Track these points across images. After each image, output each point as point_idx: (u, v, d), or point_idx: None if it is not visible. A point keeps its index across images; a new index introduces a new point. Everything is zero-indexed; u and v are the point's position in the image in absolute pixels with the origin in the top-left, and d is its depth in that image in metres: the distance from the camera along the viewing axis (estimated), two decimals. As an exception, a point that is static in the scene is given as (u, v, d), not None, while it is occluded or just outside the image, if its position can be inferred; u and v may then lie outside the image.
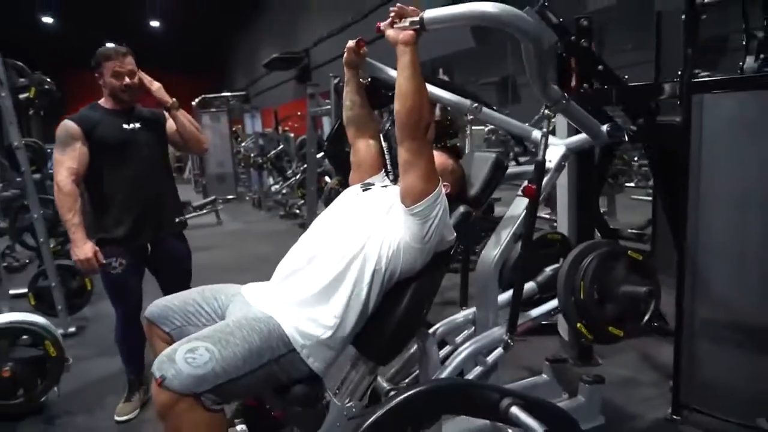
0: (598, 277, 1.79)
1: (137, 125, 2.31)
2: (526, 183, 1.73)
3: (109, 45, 2.30)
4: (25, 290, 3.59)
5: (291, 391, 1.47)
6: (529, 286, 2.09)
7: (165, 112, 2.40)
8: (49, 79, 4.49)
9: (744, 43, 1.87)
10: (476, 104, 1.94)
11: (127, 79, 2.24)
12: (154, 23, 21.06)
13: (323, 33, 13.12)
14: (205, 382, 1.27)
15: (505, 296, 1.93)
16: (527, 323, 1.94)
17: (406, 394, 1.47)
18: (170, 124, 2.42)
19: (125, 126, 2.28)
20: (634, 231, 4.59)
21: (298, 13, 15.27)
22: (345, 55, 1.76)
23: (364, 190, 1.72)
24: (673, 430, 2.04)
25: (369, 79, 1.95)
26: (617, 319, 1.80)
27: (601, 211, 5.95)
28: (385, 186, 1.75)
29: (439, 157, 1.74)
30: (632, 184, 7.22)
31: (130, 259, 2.27)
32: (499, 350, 1.83)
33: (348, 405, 1.60)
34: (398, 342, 1.60)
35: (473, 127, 7.24)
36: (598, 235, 2.83)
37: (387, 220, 1.55)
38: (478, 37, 8.47)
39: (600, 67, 2.43)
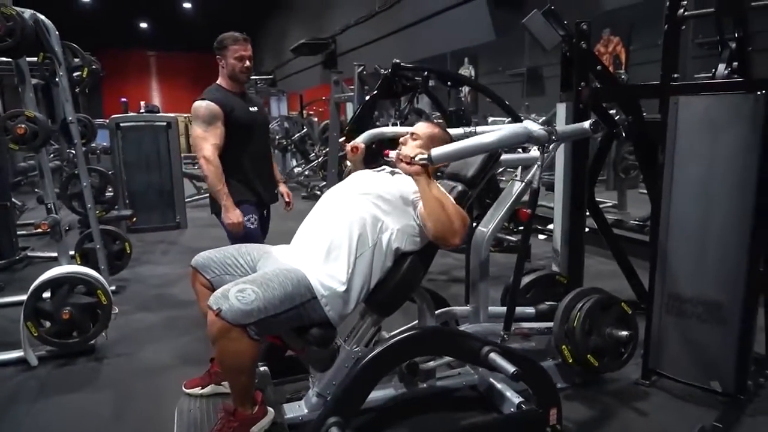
0: (592, 313, 2.14)
1: (255, 109, 2.70)
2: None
3: (233, 33, 2.63)
4: (72, 252, 3.97)
5: (309, 332, 1.78)
6: (528, 310, 2.41)
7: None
8: (94, 59, 4.85)
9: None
10: (469, 129, 2.22)
11: (247, 63, 2.59)
12: (186, 4, 21.50)
13: (350, 21, 13.34)
14: (251, 316, 1.57)
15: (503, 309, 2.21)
16: (521, 329, 2.24)
17: (405, 335, 1.79)
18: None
19: (251, 109, 2.66)
20: (636, 222, 4.83)
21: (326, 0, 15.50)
22: (347, 154, 2.24)
23: (375, 171, 2.03)
24: (640, 392, 2.30)
25: (388, 71, 2.30)
26: (597, 351, 2.15)
27: (612, 204, 6.18)
28: (394, 173, 2.02)
29: (429, 127, 2.05)
30: (647, 180, 7.31)
31: (257, 218, 2.64)
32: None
33: (356, 350, 1.89)
34: (397, 298, 1.90)
35: (494, 119, 7.43)
36: (593, 222, 3.07)
37: (395, 205, 1.84)
38: (499, 30, 8.63)
39: (598, 67, 2.67)
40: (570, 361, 2.13)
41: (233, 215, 2.50)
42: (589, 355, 2.12)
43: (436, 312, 2.19)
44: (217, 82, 2.65)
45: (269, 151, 2.86)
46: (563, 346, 2.13)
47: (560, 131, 1.88)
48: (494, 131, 1.71)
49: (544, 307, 2.40)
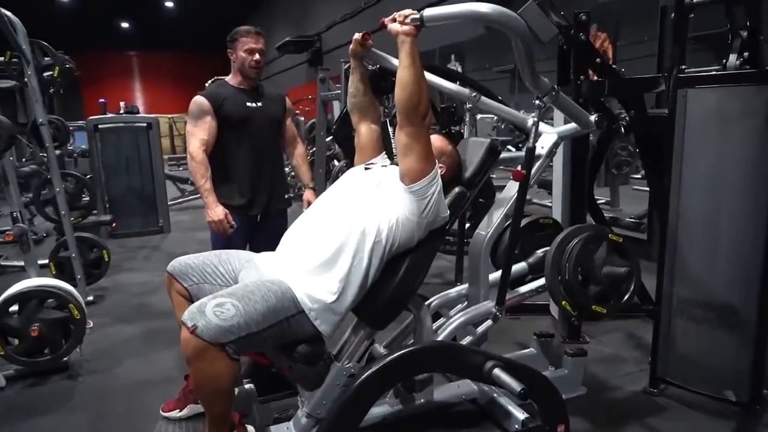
0: (582, 258, 1.90)
1: (259, 104, 2.50)
2: (518, 167, 1.88)
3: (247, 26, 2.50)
4: (46, 261, 3.78)
5: (296, 350, 1.63)
6: (520, 266, 2.21)
7: (287, 99, 2.68)
8: (68, 58, 4.64)
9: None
10: (475, 93, 2.08)
11: (257, 56, 2.43)
12: (168, 3, 21.12)
13: (336, 18, 13.15)
14: (231, 334, 1.43)
15: (497, 274, 2.07)
16: (516, 298, 2.08)
17: (402, 352, 1.65)
18: (289, 126, 2.70)
19: (249, 104, 2.47)
20: (632, 220, 4.74)
21: (312, -4, 15.31)
22: (351, 45, 1.89)
23: (366, 169, 1.87)
24: (648, 402, 2.19)
25: (377, 66, 2.10)
26: (600, 297, 1.91)
27: (604, 201, 6.09)
28: (385, 166, 1.88)
29: (440, 141, 1.89)
30: (639, 176, 7.20)
31: (240, 224, 2.44)
32: (488, 322, 1.98)
33: (347, 366, 1.75)
34: (393, 309, 1.75)
35: (482, 115, 7.31)
36: (591, 221, 2.95)
37: (387, 197, 1.69)
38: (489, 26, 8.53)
39: (597, 60, 2.54)
40: (574, 314, 1.92)
41: (213, 212, 2.34)
42: (593, 306, 1.88)
43: (428, 301, 2.05)
44: (226, 77, 2.52)
45: (274, 150, 2.63)
46: (563, 302, 1.90)
47: (561, 95, 1.78)
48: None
49: (536, 258, 2.17)
